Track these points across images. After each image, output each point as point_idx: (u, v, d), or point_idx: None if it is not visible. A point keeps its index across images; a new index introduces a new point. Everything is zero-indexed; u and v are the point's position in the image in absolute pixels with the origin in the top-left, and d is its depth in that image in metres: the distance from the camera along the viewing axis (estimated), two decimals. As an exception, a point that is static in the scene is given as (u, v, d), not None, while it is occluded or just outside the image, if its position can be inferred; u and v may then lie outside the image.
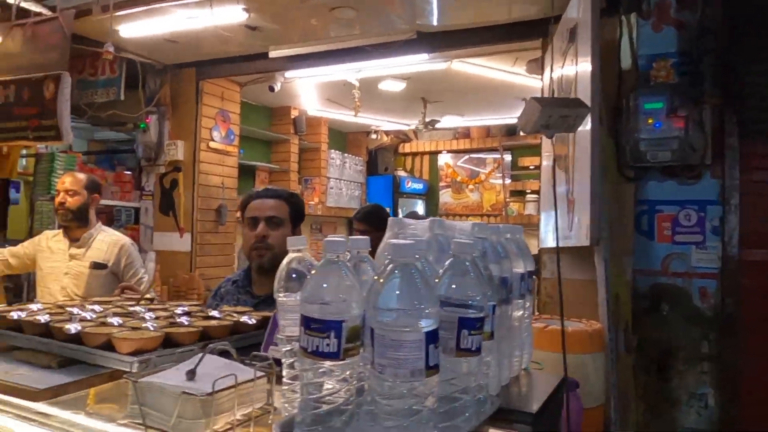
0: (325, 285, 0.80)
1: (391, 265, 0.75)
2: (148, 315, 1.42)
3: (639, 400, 3.09)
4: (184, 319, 1.39)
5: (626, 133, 3.09)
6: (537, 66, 3.90)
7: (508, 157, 7.67)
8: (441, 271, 0.87)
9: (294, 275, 0.97)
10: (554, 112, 1.75)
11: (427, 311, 0.72)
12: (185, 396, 0.89)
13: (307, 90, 5.75)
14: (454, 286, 0.84)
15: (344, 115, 6.53)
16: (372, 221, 3.57)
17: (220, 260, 5.18)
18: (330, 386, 0.81)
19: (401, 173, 8.23)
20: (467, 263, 0.86)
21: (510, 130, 7.54)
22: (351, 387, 0.83)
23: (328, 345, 0.78)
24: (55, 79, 2.61)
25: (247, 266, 2.09)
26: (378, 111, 6.52)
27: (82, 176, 3.04)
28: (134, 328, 1.27)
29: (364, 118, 6.62)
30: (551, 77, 3.35)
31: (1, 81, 2.84)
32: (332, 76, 4.94)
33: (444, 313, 0.80)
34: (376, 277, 0.77)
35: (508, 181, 7.61)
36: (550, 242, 3.26)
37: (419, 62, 4.34)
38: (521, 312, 1.23)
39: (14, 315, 1.34)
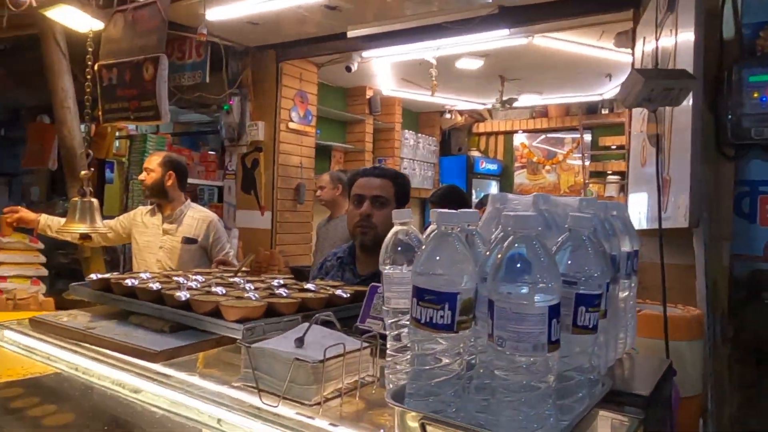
0: (439, 257, 0.80)
1: (511, 237, 0.73)
2: (248, 286, 1.47)
3: (734, 392, 2.92)
4: (282, 291, 1.43)
5: (727, 108, 2.87)
6: (627, 39, 3.70)
7: (588, 137, 7.38)
8: (555, 246, 0.85)
9: (400, 248, 0.97)
10: (658, 85, 1.65)
11: (551, 285, 0.70)
12: (297, 362, 0.92)
13: (383, 69, 5.75)
14: (570, 261, 0.82)
15: (418, 95, 6.48)
16: (448, 203, 3.53)
17: (298, 238, 5.32)
18: (441, 358, 0.81)
19: (475, 153, 8.10)
20: (584, 238, 0.83)
21: (591, 108, 7.23)
22: (462, 360, 0.82)
23: (442, 317, 0.78)
24: (153, 61, 2.74)
25: (352, 243, 2.10)
26: (453, 90, 6.42)
27: (160, 155, 3.18)
28: (238, 298, 1.32)
29: (438, 98, 6.55)
30: (643, 50, 3.16)
31: (105, 65, 3.01)
32: (409, 54, 4.90)
33: (562, 290, 0.77)
34: (496, 249, 0.75)
35: (587, 161, 7.32)
36: (639, 225, 3.11)
37: (499, 38, 4.22)
38: (627, 293, 1.18)
39: (129, 282, 1.43)
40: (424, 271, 0.80)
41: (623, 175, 5.95)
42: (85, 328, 1.31)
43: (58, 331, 1.33)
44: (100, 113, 3.06)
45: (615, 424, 0.93)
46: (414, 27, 4.16)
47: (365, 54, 4.88)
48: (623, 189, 6.44)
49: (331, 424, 0.88)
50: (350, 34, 4.32)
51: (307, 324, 1.04)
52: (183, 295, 1.31)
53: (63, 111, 3.76)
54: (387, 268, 0.98)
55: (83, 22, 2.69)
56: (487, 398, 0.76)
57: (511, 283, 0.70)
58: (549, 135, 7.90)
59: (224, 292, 1.38)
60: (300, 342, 1.00)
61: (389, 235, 0.99)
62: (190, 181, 5.13)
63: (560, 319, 0.73)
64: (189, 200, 3.31)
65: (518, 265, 0.71)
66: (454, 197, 3.60)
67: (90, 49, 2.52)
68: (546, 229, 1.01)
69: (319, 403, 0.93)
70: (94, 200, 2.62)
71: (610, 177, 7.22)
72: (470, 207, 3.39)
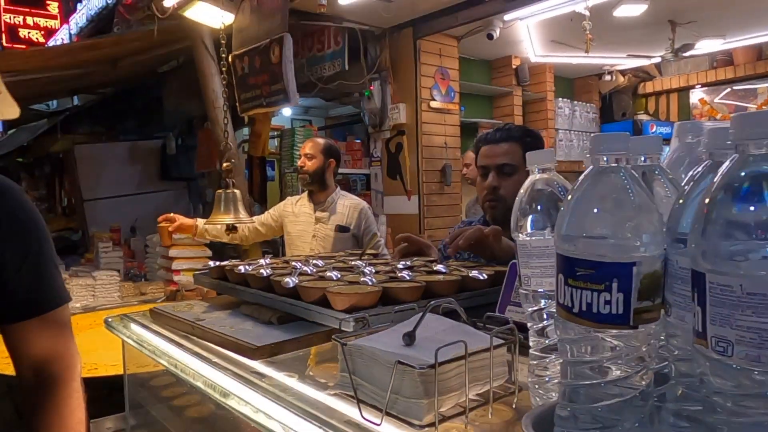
0: (597, 208, 0.50)
1: (737, 158, 0.40)
2: (368, 269, 1.26)
3: None
4: (405, 274, 1.20)
5: None
6: None
7: (790, 83, 6.10)
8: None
9: (540, 204, 0.67)
10: None
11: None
12: (401, 367, 0.67)
13: (529, 33, 5.25)
14: None
15: (572, 58, 5.84)
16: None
17: (447, 221, 5.09)
18: (610, 368, 0.51)
19: (643, 117, 7.15)
20: None
21: (793, 47, 5.95)
22: (648, 372, 0.51)
23: (607, 303, 0.48)
24: (279, 42, 2.69)
25: (483, 215, 1.86)
26: (612, 46, 5.67)
27: (320, 141, 3.14)
28: (351, 283, 1.12)
29: (595, 58, 5.84)
30: None
31: (238, 55, 3.05)
32: (556, 9, 4.37)
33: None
34: (699, 187, 0.43)
35: (791, 112, 6.06)
36: None
37: (667, -29, 3.55)
38: None
39: (241, 269, 1.31)
40: (574, 233, 0.50)
41: None
42: (195, 319, 1.21)
43: (171, 323, 1.25)
44: (237, 105, 3.11)
45: None
46: (560, -26, 3.67)
47: (507, 17, 4.47)
48: None
49: (449, 455, 0.63)
50: (493, -5, 3.95)
51: (419, 315, 0.79)
52: (291, 281, 1.13)
53: (215, 112, 3.93)
54: (521, 234, 0.69)
55: (216, 17, 2.72)
56: (698, 439, 0.45)
57: (740, 239, 0.38)
58: (736, 87, 6.67)
59: (338, 276, 1.18)
60: (410, 338, 0.76)
61: (523, 187, 0.70)
62: (342, 170, 5.19)
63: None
64: (339, 188, 3.26)
65: (754, 206, 0.38)
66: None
67: (223, 42, 2.52)
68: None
69: (432, 424, 0.67)
70: (237, 191, 2.64)
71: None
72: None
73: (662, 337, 0.52)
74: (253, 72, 2.90)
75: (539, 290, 0.67)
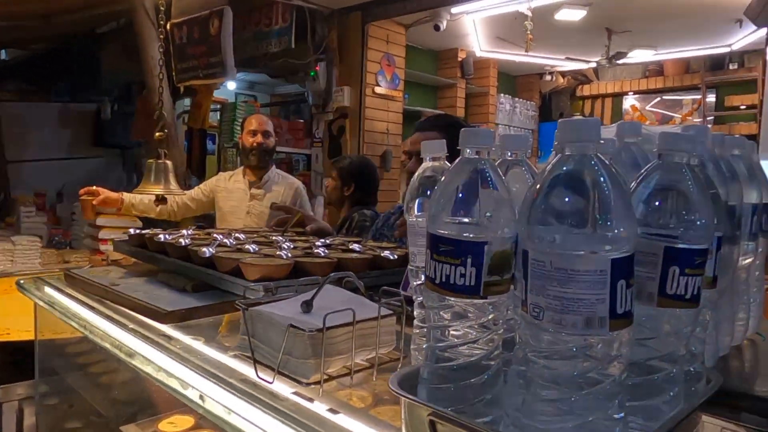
0: (462, 193, 0.57)
1: (560, 157, 0.48)
2: (286, 245, 1.31)
3: None
4: (320, 251, 1.26)
5: None
6: (764, -31, 3.09)
7: (711, 97, 6.52)
8: (636, 180, 0.59)
9: (429, 190, 0.74)
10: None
11: (618, 228, 0.45)
12: (293, 330, 0.74)
13: (475, 28, 5.37)
14: (659, 201, 0.55)
15: (515, 55, 6.03)
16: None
17: (386, 207, 5.15)
18: (464, 332, 0.59)
19: (579, 118, 7.48)
20: (684, 170, 0.56)
21: (716, 63, 6.37)
22: (495, 336, 0.59)
23: (462, 276, 0.56)
24: (218, 14, 2.66)
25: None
26: (553, 48, 5.90)
27: (269, 119, 3.13)
28: (266, 256, 1.17)
29: (536, 58, 6.05)
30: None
31: (176, 23, 2.99)
32: (502, 7, 4.50)
33: (643, 240, 0.52)
34: (539, 179, 0.51)
35: (710, 125, 6.48)
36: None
37: (605, -19, 3.73)
38: (751, 258, 0.88)
39: (161, 237, 1.33)
40: (438, 213, 0.57)
41: (754, 138, 5.18)
42: (110, 284, 1.22)
43: (86, 287, 1.26)
44: (174, 74, 3.04)
45: (725, 437, 0.66)
46: (506, -27, 3.79)
47: (454, 10, 4.56)
48: (754, 154, 5.61)
49: (330, 410, 0.69)
50: (437, -13, 4.03)
51: (320, 285, 0.85)
52: (208, 251, 1.17)
53: (153, 79, 3.82)
54: (411, 216, 0.76)
55: (157, -18, 2.65)
56: (524, 392, 0.54)
57: (551, 223, 0.46)
58: (665, 96, 7.08)
59: (255, 249, 1.23)
60: (307, 306, 0.82)
61: (416, 173, 0.77)
62: (282, 149, 5.15)
63: (632, 281, 0.48)
64: (274, 166, 3.25)
65: (565, 197, 0.46)
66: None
67: (162, 8, 2.47)
68: (634, 170, 0.74)
69: (318, 383, 0.74)
70: (168, 162, 2.61)
71: (737, 141, 6.36)
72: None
73: (510, 307, 0.61)
74: (191, 42, 2.85)
75: (422, 265, 0.74)
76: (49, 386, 1.70)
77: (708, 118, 6.47)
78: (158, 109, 2.54)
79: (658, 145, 0.56)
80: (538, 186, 0.49)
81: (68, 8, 4.50)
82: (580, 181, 0.46)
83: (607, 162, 0.48)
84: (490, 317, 0.57)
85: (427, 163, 0.76)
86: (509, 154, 0.66)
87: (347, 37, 4.95)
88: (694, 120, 6.82)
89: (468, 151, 0.57)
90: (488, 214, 0.55)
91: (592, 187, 0.46)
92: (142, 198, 2.99)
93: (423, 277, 0.69)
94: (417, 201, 0.75)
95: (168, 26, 2.88)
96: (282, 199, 3.08)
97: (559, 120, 0.49)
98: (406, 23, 5.08)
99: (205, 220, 5.13)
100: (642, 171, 0.58)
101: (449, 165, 0.77)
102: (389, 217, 1.98)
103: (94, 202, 2.88)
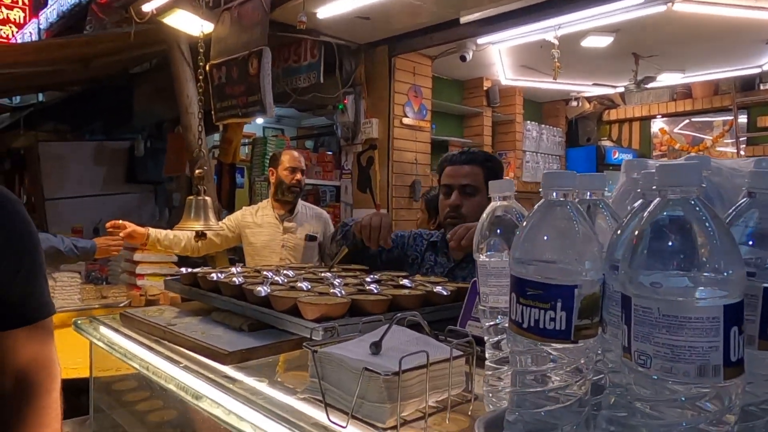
0: (547, 236, 0.57)
1: (659, 201, 0.48)
2: (337, 281, 1.32)
3: None
4: (373, 287, 1.26)
5: None
6: (796, -10, 3.07)
7: (743, 118, 6.43)
8: (727, 219, 0.57)
9: (499, 229, 0.74)
10: None
11: (728, 273, 0.44)
12: (367, 373, 0.73)
13: (500, 57, 5.42)
14: (753, 240, 0.54)
15: (540, 83, 6.05)
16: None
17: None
18: (552, 378, 0.58)
19: (606, 143, 7.42)
20: (776, 207, 0.55)
21: (746, 84, 6.29)
22: (585, 382, 0.58)
23: (552, 320, 0.55)
24: (257, 55, 2.74)
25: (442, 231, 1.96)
26: (579, 74, 5.90)
27: (301, 155, 3.18)
28: (321, 294, 1.17)
29: (562, 84, 6.06)
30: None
31: (215, 64, 3.08)
32: (527, 37, 4.53)
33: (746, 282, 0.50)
34: (633, 222, 0.51)
35: (743, 146, 6.38)
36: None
37: (632, 8, 3.74)
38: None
39: (214, 276, 1.34)
40: (525, 257, 0.57)
41: (791, 158, 5.06)
42: (167, 324, 1.24)
43: (142, 327, 1.27)
44: (213, 113, 3.12)
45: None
46: (532, 4, 3.83)
47: (480, 41, 4.61)
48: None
49: (408, 455, 0.68)
50: (463, 20, 4.08)
51: (386, 325, 0.85)
52: (263, 290, 1.18)
53: (188, 117, 3.93)
54: (482, 255, 0.76)
55: (195, 25, 2.75)
56: (623, 440, 0.52)
57: (658, 269, 0.46)
58: (694, 119, 7.00)
59: (308, 287, 1.23)
60: (376, 347, 0.81)
61: (485, 212, 0.77)
62: (308, 181, 5.21)
63: (743, 328, 0.46)
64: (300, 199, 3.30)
65: (671, 242, 0.46)
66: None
67: (201, 50, 2.55)
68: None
69: (394, 428, 0.73)
70: (208, 198, 2.65)
71: (773, 162, 6.22)
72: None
73: (599, 352, 0.59)
74: (230, 82, 2.93)
75: (497, 306, 0.74)
76: (97, 423, 1.72)
77: (741, 140, 6.37)
78: (197, 147, 2.60)
79: (749, 182, 0.55)
80: (637, 232, 0.49)
81: (106, 52, 4.68)
82: (686, 225, 0.46)
83: (708, 205, 0.47)
84: (582, 362, 0.56)
85: (496, 203, 0.76)
86: (588, 194, 0.66)
87: (374, 71, 5.04)
88: (725, 141, 6.73)
89: (554, 194, 0.57)
90: (578, 257, 0.55)
91: (699, 232, 0.45)
92: (167, 233, 3.03)
93: (504, 319, 0.69)
94: (489, 241, 0.74)
95: (207, 67, 2.97)
96: (315, 230, 3.12)
97: (659, 163, 0.49)
98: (432, 55, 5.15)
99: (236, 252, 5.19)
100: (732, 210, 0.57)
101: (518, 204, 0.77)
102: (409, 237, 2.00)
103: (121, 234, 2.93)
